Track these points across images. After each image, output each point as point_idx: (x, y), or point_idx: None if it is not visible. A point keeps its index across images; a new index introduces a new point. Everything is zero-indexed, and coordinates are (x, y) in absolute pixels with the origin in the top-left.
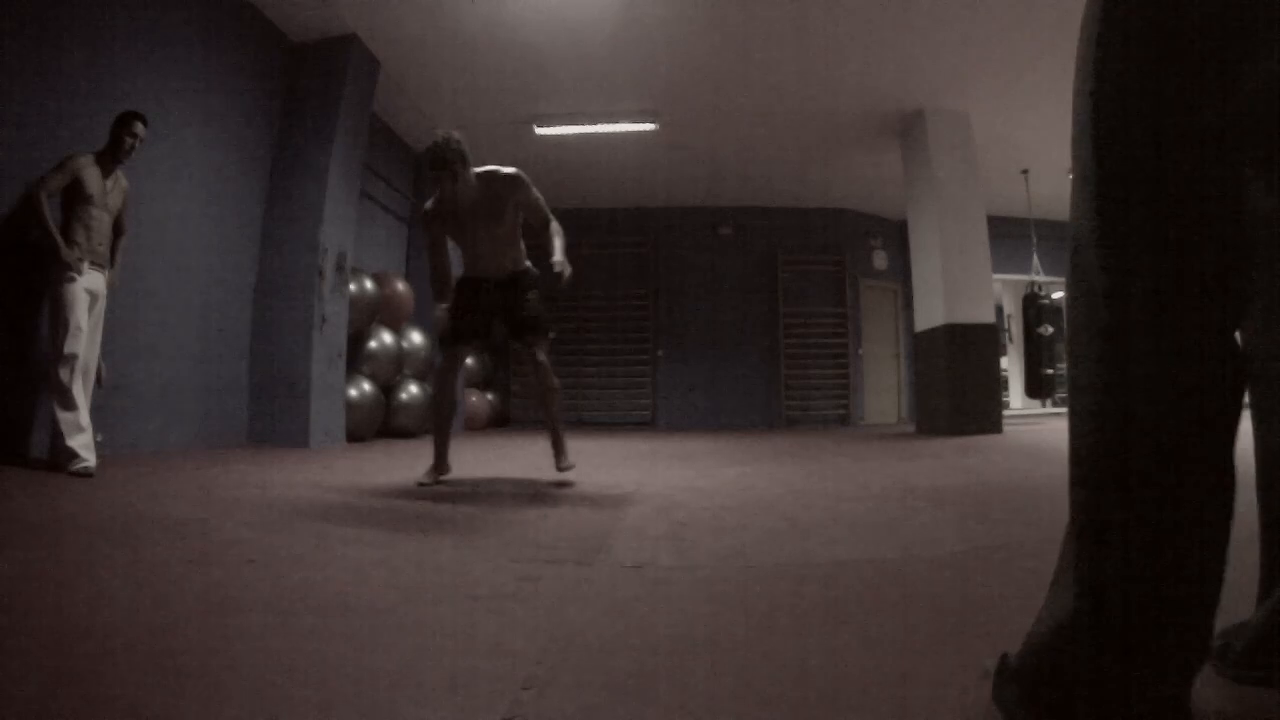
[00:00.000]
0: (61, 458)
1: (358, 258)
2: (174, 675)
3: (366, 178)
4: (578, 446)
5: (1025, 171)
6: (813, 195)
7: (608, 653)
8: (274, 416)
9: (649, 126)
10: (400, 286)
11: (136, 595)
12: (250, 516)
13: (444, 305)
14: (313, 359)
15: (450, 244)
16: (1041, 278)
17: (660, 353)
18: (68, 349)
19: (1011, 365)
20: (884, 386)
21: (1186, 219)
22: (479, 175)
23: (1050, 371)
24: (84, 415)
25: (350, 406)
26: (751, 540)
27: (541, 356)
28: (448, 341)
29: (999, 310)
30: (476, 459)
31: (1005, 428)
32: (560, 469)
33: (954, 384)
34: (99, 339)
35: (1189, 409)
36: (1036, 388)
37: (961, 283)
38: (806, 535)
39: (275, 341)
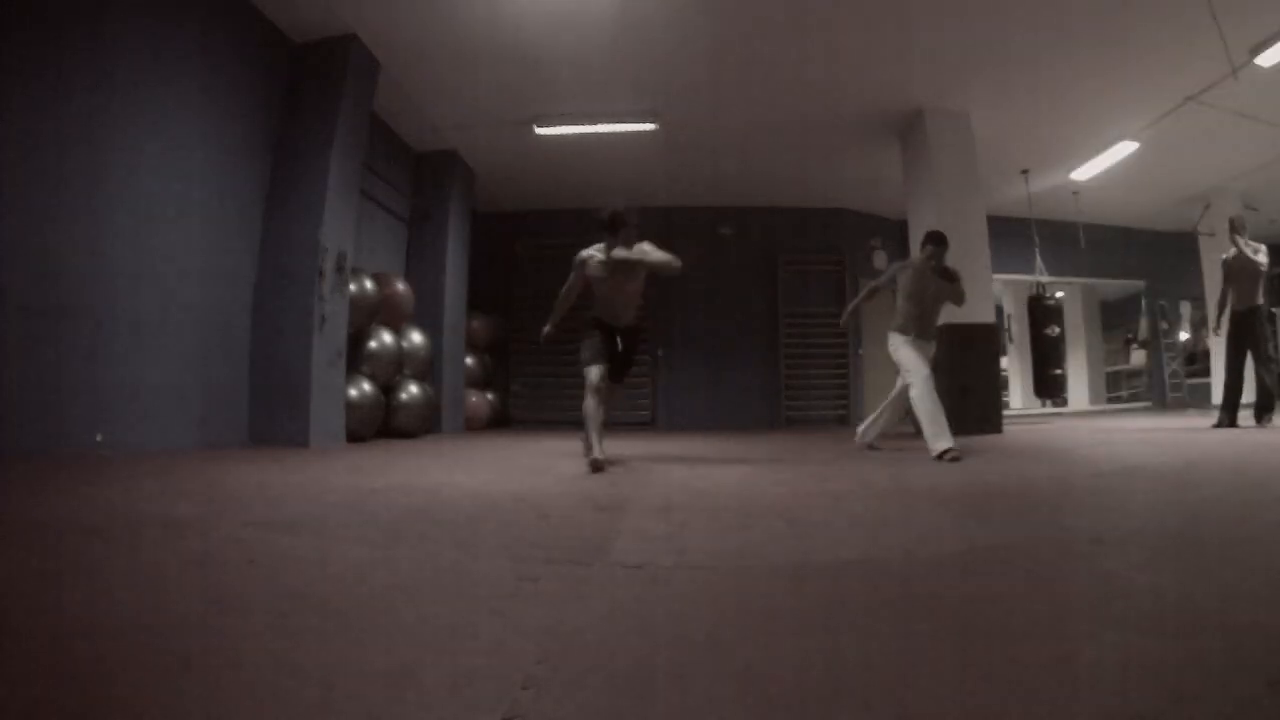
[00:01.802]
0: None
1: (358, 258)
2: (174, 675)
3: (366, 178)
4: (578, 447)
5: (1025, 171)
6: (813, 195)
7: (608, 653)
8: (274, 416)
9: (649, 126)
10: (400, 286)
11: (136, 595)
12: (250, 516)
13: (547, 330)
14: (313, 359)
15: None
16: (1045, 278)
17: (660, 353)
18: None
19: (1011, 365)
20: (884, 386)
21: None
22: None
23: (1059, 371)
24: None
25: (350, 406)
26: (751, 540)
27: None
28: (599, 361)
29: (999, 310)
30: (481, 460)
31: (1005, 428)
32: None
33: (954, 384)
34: None
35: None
36: (1044, 387)
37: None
38: (806, 535)
39: (275, 341)
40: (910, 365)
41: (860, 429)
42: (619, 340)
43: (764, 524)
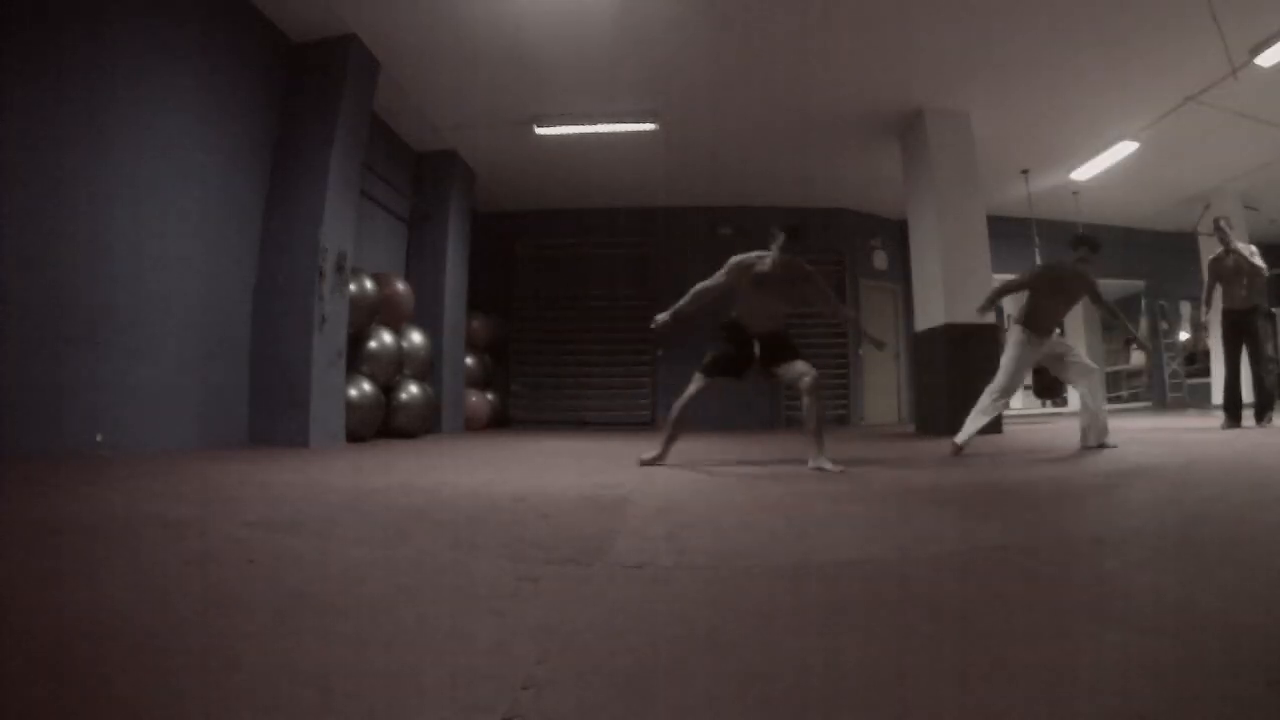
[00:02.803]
0: None
1: (358, 258)
2: (174, 675)
3: (366, 178)
4: (577, 447)
5: (1025, 171)
6: (813, 195)
7: (608, 653)
8: (274, 416)
9: (649, 126)
10: (400, 286)
11: (136, 595)
12: (250, 516)
13: (664, 318)
14: (313, 359)
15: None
16: None
17: (660, 353)
18: None
19: None
20: (884, 386)
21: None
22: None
23: None
24: None
25: (350, 406)
26: (751, 540)
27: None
28: (713, 371)
29: (999, 310)
30: (481, 460)
31: (1005, 428)
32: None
33: (954, 384)
34: None
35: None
36: (1046, 389)
37: (961, 283)
38: (806, 535)
39: (275, 341)
40: (1003, 369)
41: (1082, 434)
42: (758, 345)
43: (764, 524)
